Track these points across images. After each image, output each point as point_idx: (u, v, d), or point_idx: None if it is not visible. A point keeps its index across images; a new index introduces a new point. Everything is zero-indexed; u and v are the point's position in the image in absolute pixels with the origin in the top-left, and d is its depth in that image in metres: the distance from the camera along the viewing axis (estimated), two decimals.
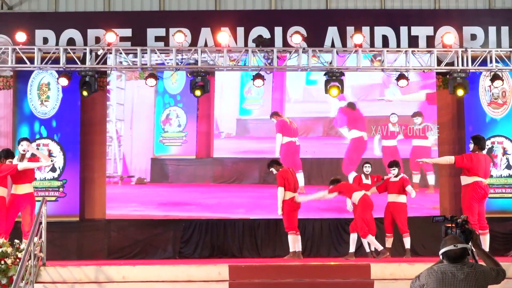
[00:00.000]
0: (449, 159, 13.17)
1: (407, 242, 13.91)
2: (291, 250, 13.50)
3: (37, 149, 14.59)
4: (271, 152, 15.50)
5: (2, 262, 10.70)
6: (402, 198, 13.92)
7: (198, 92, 14.56)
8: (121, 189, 15.15)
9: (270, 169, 13.76)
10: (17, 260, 10.67)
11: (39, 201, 11.84)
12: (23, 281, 10.07)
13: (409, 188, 13.75)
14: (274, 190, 13.36)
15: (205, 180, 15.52)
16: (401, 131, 16.00)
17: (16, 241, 11.69)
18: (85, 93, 14.66)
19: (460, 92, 14.71)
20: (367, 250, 14.12)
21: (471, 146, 12.94)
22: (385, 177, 14.32)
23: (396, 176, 14.00)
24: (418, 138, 15.98)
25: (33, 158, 12.99)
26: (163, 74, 15.36)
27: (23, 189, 12.36)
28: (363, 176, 14.34)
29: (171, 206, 15.15)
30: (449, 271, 5.75)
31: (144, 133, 15.40)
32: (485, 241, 12.61)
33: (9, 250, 10.89)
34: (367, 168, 14.31)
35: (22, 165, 12.29)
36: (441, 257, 5.87)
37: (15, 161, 12.27)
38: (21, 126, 15.73)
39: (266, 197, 13.80)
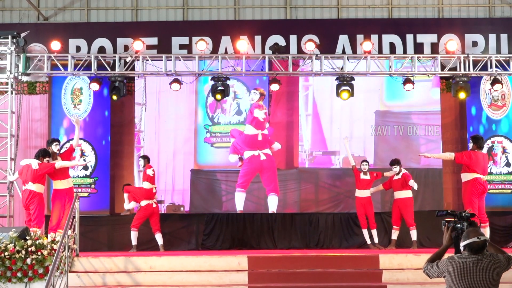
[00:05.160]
0: (450, 155, 13.25)
1: (413, 234, 13.90)
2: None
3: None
4: None
5: (39, 253, 10.79)
6: (407, 193, 13.90)
7: (218, 96, 14.69)
8: None
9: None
10: (53, 251, 10.77)
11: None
12: (58, 271, 10.16)
13: (411, 182, 13.71)
14: None
15: None
16: None
17: (52, 234, 11.80)
18: (114, 97, 14.80)
19: (462, 95, 14.76)
20: (368, 242, 14.22)
21: (471, 145, 13.03)
22: (385, 174, 14.33)
23: (398, 174, 13.97)
24: None
25: (64, 154, 13.07)
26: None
27: (62, 184, 12.58)
28: (361, 173, 14.30)
29: None
30: (470, 261, 5.79)
31: None
32: (486, 234, 12.58)
33: (45, 242, 10.96)
34: (364, 166, 14.27)
35: (59, 164, 12.47)
36: (462, 248, 5.88)
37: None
38: (56, 128, 15.79)
39: None
